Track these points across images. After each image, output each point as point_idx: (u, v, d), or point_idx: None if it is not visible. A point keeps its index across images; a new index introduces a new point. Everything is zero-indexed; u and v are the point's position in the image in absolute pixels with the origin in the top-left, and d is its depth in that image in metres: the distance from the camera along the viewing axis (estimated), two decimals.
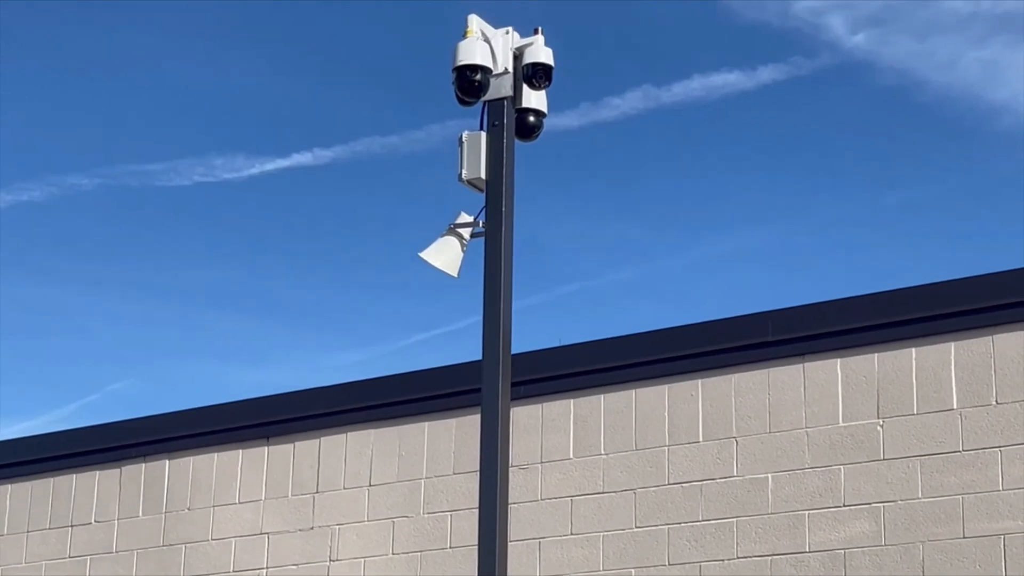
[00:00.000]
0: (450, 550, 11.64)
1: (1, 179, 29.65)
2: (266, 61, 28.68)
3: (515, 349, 8.56)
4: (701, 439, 10.89)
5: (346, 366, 31.68)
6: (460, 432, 11.80)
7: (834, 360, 10.55)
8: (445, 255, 8.63)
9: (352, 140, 26.92)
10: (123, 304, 30.21)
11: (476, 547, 8.18)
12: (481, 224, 8.61)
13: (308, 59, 28.80)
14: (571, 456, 11.36)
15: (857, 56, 24.80)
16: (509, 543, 8.28)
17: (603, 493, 11.15)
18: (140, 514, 13.27)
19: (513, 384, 8.47)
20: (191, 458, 13.11)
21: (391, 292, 29.53)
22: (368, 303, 30.15)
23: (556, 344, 11.67)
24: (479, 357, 8.38)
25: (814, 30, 24.57)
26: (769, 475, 10.57)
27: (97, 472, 13.61)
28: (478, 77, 8.60)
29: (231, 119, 28.90)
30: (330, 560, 12.18)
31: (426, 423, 12.03)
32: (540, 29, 8.79)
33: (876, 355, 10.43)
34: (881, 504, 10.16)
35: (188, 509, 13.02)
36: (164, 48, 28.72)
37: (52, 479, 13.84)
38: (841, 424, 10.43)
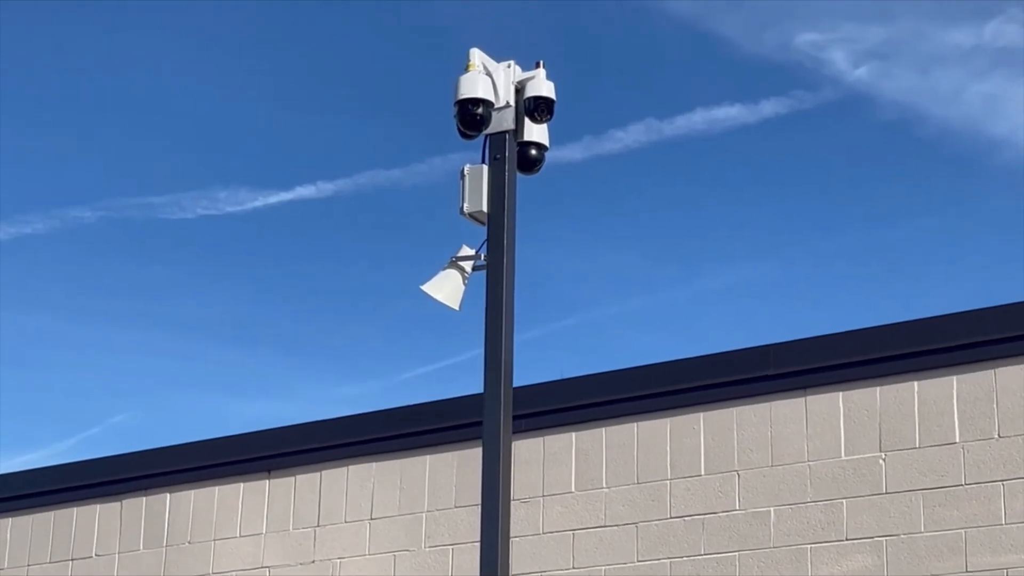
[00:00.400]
0: None
1: (3, 211, 29.67)
2: (269, 94, 28.75)
3: (517, 382, 8.55)
4: (703, 472, 10.87)
5: (348, 399, 31.67)
6: (462, 465, 11.78)
7: (836, 393, 10.54)
8: (447, 288, 8.63)
9: (355, 173, 26.94)
10: (125, 336, 30.22)
11: None
12: (483, 257, 8.61)
13: (311, 92, 28.87)
14: (573, 489, 11.35)
15: (859, 90, 24.85)
16: None
17: (605, 527, 11.13)
18: (141, 547, 13.24)
19: (515, 417, 8.46)
20: (192, 491, 13.09)
21: (394, 325, 29.54)
22: (371, 336, 30.15)
23: (557, 377, 11.67)
24: (481, 390, 8.37)
25: (816, 64, 24.63)
26: (771, 509, 10.55)
27: (98, 505, 13.59)
28: (480, 110, 8.61)
29: (234, 152, 28.97)
30: None
31: (428, 456, 12.02)
32: (542, 63, 8.81)
33: (878, 388, 10.42)
34: (883, 538, 10.14)
35: (189, 543, 12.99)
36: (167, 81, 28.79)
37: (53, 512, 13.82)
38: (843, 457, 10.42)
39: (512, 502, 8.40)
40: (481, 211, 8.63)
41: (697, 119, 24.38)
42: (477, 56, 8.72)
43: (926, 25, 24.53)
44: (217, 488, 12.96)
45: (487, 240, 8.61)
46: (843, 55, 24.47)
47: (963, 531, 9.91)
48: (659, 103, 26.32)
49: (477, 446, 8.59)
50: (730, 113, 24.39)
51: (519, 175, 8.76)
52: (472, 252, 8.66)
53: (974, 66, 24.49)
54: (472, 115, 8.61)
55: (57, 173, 29.70)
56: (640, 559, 10.93)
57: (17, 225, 27.96)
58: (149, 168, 29.06)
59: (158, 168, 29.09)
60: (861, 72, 24.64)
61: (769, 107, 24.37)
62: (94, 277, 30.01)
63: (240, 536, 12.73)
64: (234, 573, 12.65)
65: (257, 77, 28.74)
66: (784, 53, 25.08)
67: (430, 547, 11.79)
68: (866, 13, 24.98)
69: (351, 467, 12.35)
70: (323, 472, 12.48)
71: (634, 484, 11.11)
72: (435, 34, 25.96)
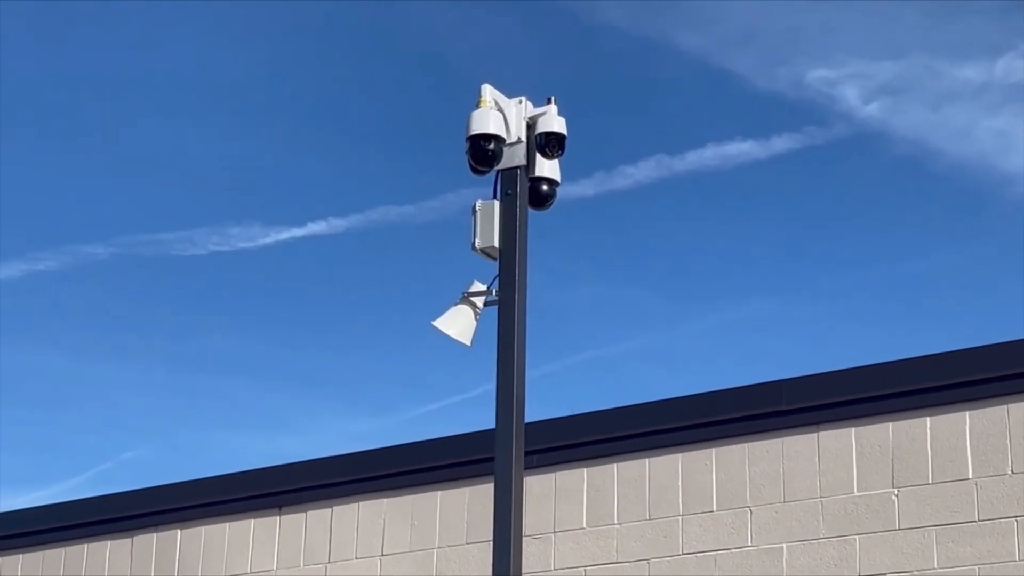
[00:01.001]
0: None
1: (16, 248, 29.73)
2: (281, 131, 28.82)
3: (528, 417, 8.54)
4: (715, 509, 10.85)
5: (361, 435, 31.64)
6: (473, 501, 11.76)
7: (849, 429, 10.51)
8: (458, 324, 8.63)
9: (367, 209, 26.98)
10: (137, 373, 30.25)
11: None
12: (494, 293, 8.61)
13: (323, 129, 28.95)
14: (584, 526, 11.32)
15: (871, 126, 24.88)
16: None
17: (617, 563, 11.10)
18: None
19: (527, 453, 8.44)
20: (203, 527, 13.07)
21: (406, 361, 29.55)
22: (383, 371, 30.16)
23: (569, 412, 11.65)
24: (493, 426, 8.36)
25: (828, 100, 24.66)
26: (784, 545, 10.52)
27: (109, 542, 13.57)
28: (491, 146, 8.62)
29: (247, 188, 29.03)
30: None
31: (439, 492, 11.99)
32: (553, 98, 8.82)
33: (891, 424, 10.39)
34: (896, 574, 10.09)
35: None
36: (180, 118, 28.89)
37: (64, 549, 13.81)
38: (856, 494, 10.38)
39: (524, 538, 8.38)
40: (493, 247, 8.63)
41: (708, 155, 24.42)
42: (489, 92, 8.74)
43: (937, 61, 24.56)
44: (228, 524, 12.94)
45: (498, 275, 8.61)
46: (855, 91, 24.51)
47: (976, 567, 9.87)
48: (670, 139, 26.39)
49: (489, 482, 8.58)
50: (742, 149, 24.42)
51: (530, 211, 8.76)
52: (483, 288, 8.66)
53: (985, 102, 24.51)
54: (483, 151, 8.61)
55: (69, 210, 29.80)
56: None
57: (30, 262, 28.03)
58: (161, 204, 29.15)
59: (170, 204, 29.19)
60: (872, 108, 24.67)
61: (781, 143, 24.41)
62: (106, 313, 30.07)
63: (251, 572, 12.70)
64: None
65: (270, 114, 28.84)
66: (796, 89, 25.13)
67: None
68: (877, 50, 25.04)
69: (362, 503, 12.33)
70: (334, 508, 12.46)
71: (646, 520, 11.08)
72: (448, 71, 26.05)
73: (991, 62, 24.09)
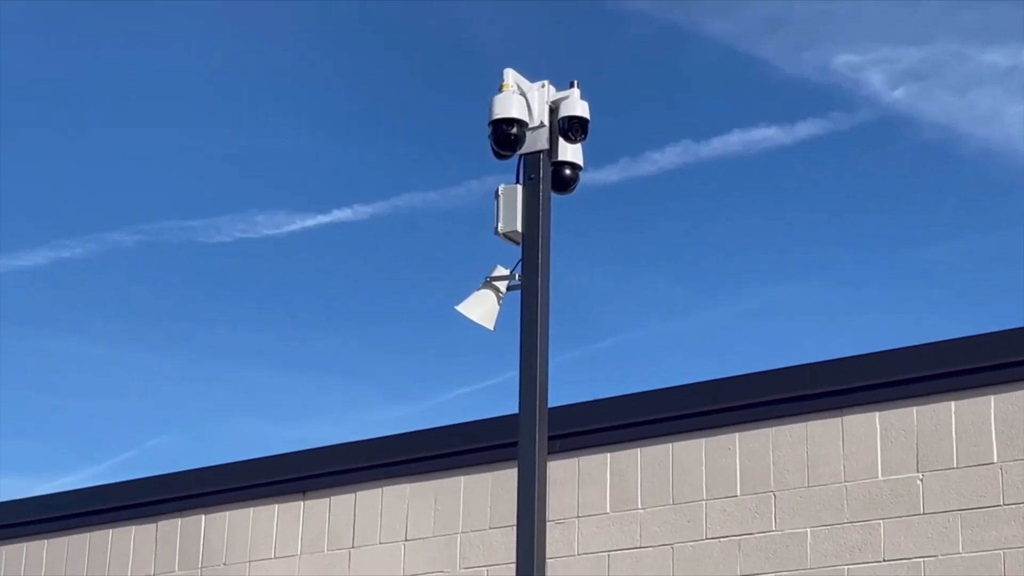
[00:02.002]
0: None
1: (42, 236, 29.83)
2: (307, 118, 28.84)
3: (552, 403, 8.53)
4: (739, 493, 10.83)
5: (387, 421, 31.67)
6: (496, 486, 11.76)
7: (873, 413, 10.49)
8: (481, 308, 8.63)
9: (392, 196, 26.99)
10: (162, 360, 30.31)
11: None
12: (517, 277, 8.60)
13: (348, 116, 28.95)
14: (608, 511, 11.31)
15: (897, 111, 24.80)
16: None
17: (640, 548, 11.09)
18: (176, 569, 13.25)
19: (550, 438, 8.44)
20: (227, 513, 13.10)
21: (432, 347, 29.56)
22: (409, 358, 30.18)
23: (593, 397, 11.64)
24: (516, 410, 8.35)
25: (853, 85, 24.58)
26: (808, 529, 10.50)
27: (133, 527, 13.61)
28: (514, 130, 8.60)
29: (272, 176, 29.06)
30: None
31: (462, 477, 12.00)
32: (576, 82, 8.80)
33: (915, 408, 10.37)
34: (921, 559, 10.07)
35: (224, 564, 13.00)
36: (204, 105, 28.91)
37: (88, 534, 13.85)
38: (880, 478, 10.36)
39: (547, 523, 8.38)
40: (515, 231, 8.62)
41: (734, 141, 24.37)
42: (511, 76, 8.72)
43: (963, 46, 24.46)
44: (252, 509, 12.97)
45: (521, 260, 8.61)
46: (880, 76, 24.43)
47: (1001, 552, 9.84)
48: (696, 125, 26.32)
49: (512, 467, 8.58)
50: (767, 135, 24.37)
51: (553, 195, 8.75)
52: (506, 272, 8.65)
53: (1012, 86, 24.41)
54: (506, 135, 8.60)
55: (95, 197, 29.86)
56: None
57: (56, 249, 28.11)
58: (187, 192, 29.20)
59: (196, 192, 29.23)
60: (898, 93, 24.59)
61: (806, 128, 24.34)
62: (132, 300, 30.13)
63: (275, 557, 12.73)
64: None
65: (295, 102, 28.85)
66: (821, 75, 25.06)
67: (465, 568, 11.76)
68: (903, 35, 24.95)
69: (386, 488, 12.34)
70: (358, 493, 12.47)
71: (669, 505, 11.07)
72: (472, 58, 26.04)
73: (1018, 46, 23.99)
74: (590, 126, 8.77)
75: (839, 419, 10.59)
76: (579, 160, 8.83)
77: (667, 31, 26.51)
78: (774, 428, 10.79)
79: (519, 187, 8.69)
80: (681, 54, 26.93)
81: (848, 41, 25.01)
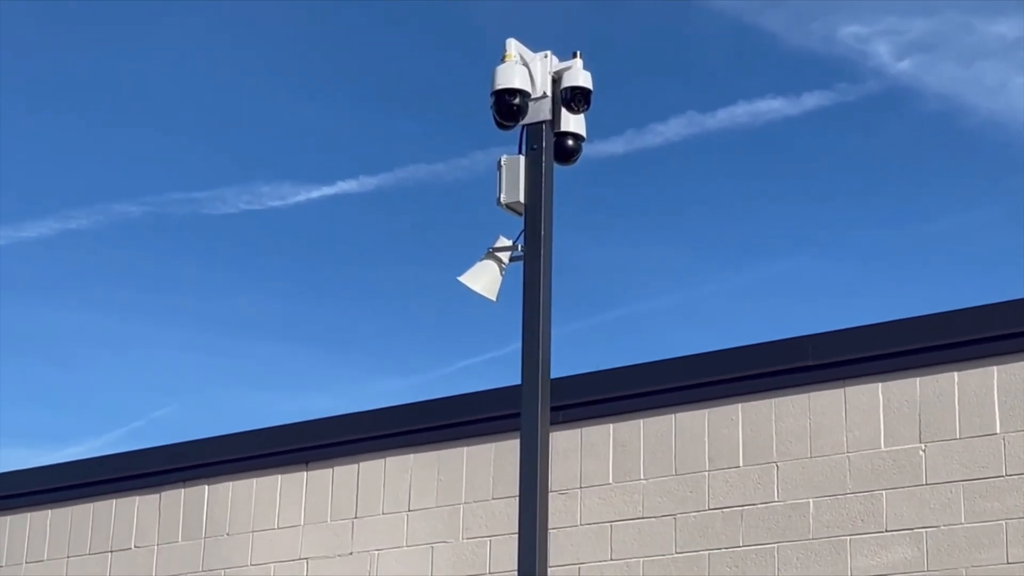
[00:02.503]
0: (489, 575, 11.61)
1: (48, 207, 29.86)
2: (312, 89, 28.79)
3: (556, 374, 8.53)
4: (742, 464, 10.84)
5: (391, 393, 31.71)
6: (499, 457, 11.77)
7: (875, 384, 10.49)
8: (484, 279, 8.62)
9: (397, 167, 26.97)
10: (168, 331, 30.33)
11: (515, 572, 8.15)
12: (520, 248, 8.59)
13: (353, 87, 28.91)
14: (611, 481, 11.32)
15: (903, 82, 24.74)
16: (548, 568, 8.24)
17: (643, 518, 11.11)
18: (179, 539, 13.27)
19: (552, 408, 8.45)
20: (230, 483, 13.11)
21: (438, 319, 29.56)
22: (414, 330, 30.18)
23: (595, 368, 11.64)
24: (519, 381, 8.36)
25: (859, 56, 24.52)
26: (810, 500, 10.51)
27: (137, 498, 13.63)
28: (516, 101, 8.59)
29: (277, 147, 29.03)
30: None
31: (465, 448, 12.01)
32: (579, 53, 8.78)
33: (918, 379, 10.36)
34: (923, 529, 10.09)
35: (227, 534, 13.02)
36: (210, 77, 28.88)
37: (92, 505, 13.87)
38: (883, 449, 10.37)
39: (550, 494, 8.39)
40: (518, 202, 8.61)
41: (739, 112, 24.33)
42: (514, 47, 8.71)
43: (970, 17, 24.39)
44: (255, 480, 12.98)
45: (524, 231, 8.60)
46: (887, 47, 24.38)
47: (1004, 522, 9.85)
48: (701, 96, 26.25)
49: (515, 438, 8.58)
50: (772, 106, 24.33)
51: (556, 165, 8.74)
52: (509, 243, 8.64)
53: (1019, 58, 24.35)
54: (509, 105, 8.59)
55: (102, 169, 29.85)
56: (678, 551, 10.90)
57: (62, 220, 28.12)
58: (192, 163, 29.18)
59: (201, 163, 29.21)
60: (905, 64, 24.53)
61: (812, 100, 24.30)
62: (138, 272, 30.15)
63: (278, 528, 12.75)
64: (272, 565, 12.68)
65: (299, 72, 28.80)
66: (827, 46, 25.00)
67: (467, 539, 11.78)
68: (910, 5, 24.87)
69: (389, 459, 12.35)
70: (361, 464, 12.49)
71: (672, 476, 11.08)
72: (478, 28, 25.98)
73: None
74: (593, 96, 8.75)
75: (842, 390, 10.59)
76: (582, 131, 8.81)
77: (673, 2, 26.46)
78: (776, 399, 10.79)
79: (521, 158, 8.68)
80: (687, 25, 26.88)
81: (854, 12, 24.95)
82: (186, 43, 28.50)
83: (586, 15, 26.02)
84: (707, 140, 25.01)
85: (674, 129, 24.44)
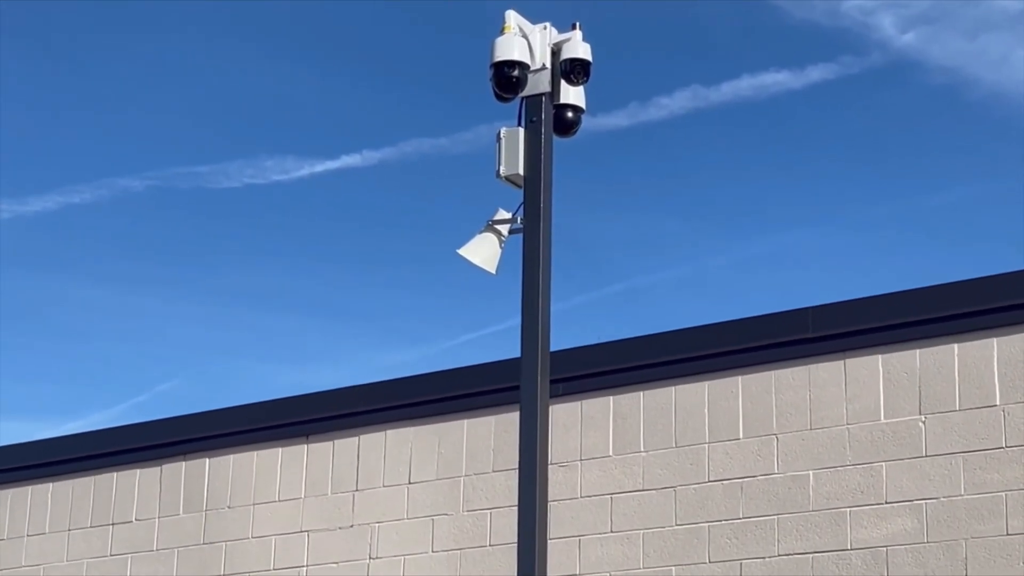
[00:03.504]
0: (490, 548, 11.62)
1: (52, 181, 29.85)
2: (315, 63, 28.74)
3: (557, 346, 8.52)
4: (742, 436, 10.84)
5: (394, 366, 31.68)
6: (499, 430, 11.78)
7: (875, 356, 10.49)
8: (483, 252, 8.61)
9: (401, 141, 26.93)
10: (172, 305, 30.34)
11: (516, 545, 8.16)
12: (519, 220, 8.58)
13: (357, 61, 28.86)
14: (611, 453, 11.33)
15: (907, 55, 24.69)
16: (549, 541, 8.26)
17: (643, 491, 11.12)
18: (181, 512, 13.29)
19: (552, 381, 8.45)
20: (231, 456, 13.13)
21: (440, 292, 29.57)
22: (417, 303, 30.20)
23: (595, 341, 11.64)
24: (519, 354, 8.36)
25: (864, 29, 24.47)
26: (810, 472, 10.52)
27: (138, 471, 13.65)
28: (516, 73, 8.57)
29: (281, 121, 28.99)
30: (370, 558, 12.18)
31: (465, 421, 12.02)
32: (578, 24, 8.76)
33: (918, 351, 10.36)
34: (923, 501, 10.10)
35: (228, 507, 13.04)
36: (214, 51, 28.82)
37: (93, 477, 13.89)
38: (883, 421, 10.37)
39: (550, 466, 8.39)
40: (517, 174, 8.60)
41: (744, 85, 24.29)
42: (513, 18, 8.68)
43: None
44: (256, 453, 13.00)
45: (523, 203, 8.59)
46: (891, 20, 24.33)
47: (1003, 494, 9.86)
48: (706, 69, 26.21)
49: (515, 410, 8.59)
50: (777, 79, 24.29)
51: (555, 138, 8.72)
52: (508, 215, 8.63)
53: (1023, 31, 24.30)
54: (508, 78, 8.57)
55: (105, 143, 29.82)
56: (678, 523, 10.91)
57: (66, 194, 28.11)
58: (196, 137, 29.15)
59: (205, 137, 29.18)
60: (909, 37, 24.48)
61: (816, 73, 24.26)
62: (141, 246, 30.15)
63: (279, 500, 12.76)
64: (273, 537, 12.69)
65: (303, 46, 28.75)
66: (832, 18, 24.94)
67: (468, 511, 11.80)
68: None
69: (389, 432, 12.36)
70: (361, 437, 12.50)
71: (672, 448, 11.09)
72: (484, 3, 25.90)
73: None
74: (592, 68, 8.73)
75: (841, 362, 10.59)
76: (581, 103, 8.79)
77: None
78: (776, 371, 10.79)
79: (521, 130, 8.66)
80: None
81: None
82: (189, 18, 28.46)
83: None
84: (711, 113, 24.98)
85: (679, 102, 24.42)
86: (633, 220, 27.69)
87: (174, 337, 31.19)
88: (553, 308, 8.48)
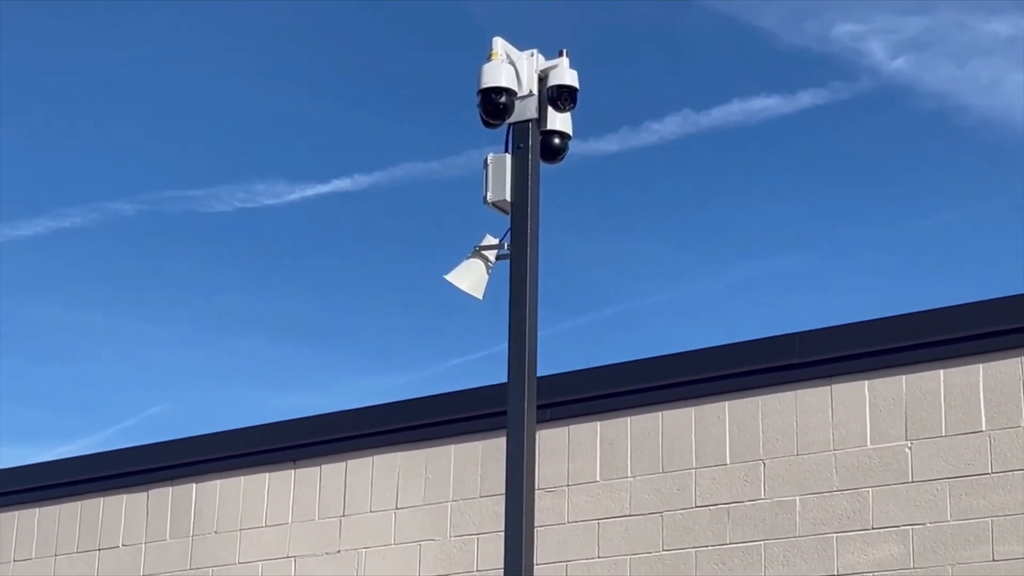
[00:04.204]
0: (477, 573, 11.62)
1: (43, 205, 29.86)
2: (306, 87, 28.78)
3: (545, 372, 8.53)
4: (728, 462, 10.85)
5: (384, 391, 31.70)
6: (487, 455, 11.78)
7: (862, 382, 10.51)
8: (470, 278, 8.63)
9: (391, 166, 26.98)
10: (162, 329, 30.32)
11: (503, 570, 8.16)
12: (506, 246, 8.60)
13: (347, 85, 28.90)
14: (598, 479, 11.34)
15: (897, 80, 24.77)
16: (536, 566, 8.26)
17: (630, 516, 11.12)
18: (167, 538, 13.27)
19: (539, 406, 8.46)
20: (218, 481, 13.11)
21: (430, 317, 29.57)
22: (408, 328, 30.19)
23: (583, 366, 11.65)
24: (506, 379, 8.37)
25: (854, 55, 24.55)
26: (797, 498, 10.53)
27: (125, 496, 13.62)
28: (503, 99, 8.59)
29: (272, 145, 29.03)
30: None
31: (453, 446, 12.02)
32: (565, 51, 8.78)
33: (904, 377, 10.38)
34: (909, 527, 10.11)
35: (215, 533, 13.02)
36: (205, 74, 28.85)
37: (80, 503, 13.86)
38: (869, 446, 10.39)
39: (537, 491, 8.40)
40: (504, 200, 8.62)
41: (734, 110, 24.36)
42: (500, 45, 8.71)
43: (965, 15, 24.43)
44: (243, 478, 12.98)
45: (510, 229, 8.61)
46: (881, 46, 24.41)
47: (990, 520, 9.87)
48: (696, 94, 26.26)
49: (502, 435, 8.59)
50: (767, 104, 24.36)
51: (543, 164, 8.74)
52: (496, 241, 8.65)
53: (1013, 56, 24.39)
54: (495, 104, 8.59)
55: (96, 167, 29.84)
56: (666, 548, 10.91)
57: (56, 219, 28.10)
58: (187, 161, 29.16)
59: (196, 161, 29.20)
60: (899, 63, 24.57)
61: (806, 98, 24.33)
62: (132, 270, 30.13)
63: (266, 526, 12.75)
64: (260, 563, 12.68)
65: (295, 70, 28.79)
66: (822, 44, 25.03)
67: (455, 537, 11.79)
68: (904, 4, 24.91)
69: (376, 457, 12.36)
70: (348, 462, 12.49)
71: (659, 473, 11.09)
72: (475, 27, 25.96)
73: (1019, 16, 23.96)
74: (579, 95, 8.76)
75: (828, 387, 10.61)
76: (568, 129, 8.82)
77: (667, 0, 26.50)
78: (763, 396, 10.81)
79: (508, 156, 8.69)
80: (682, 23, 26.90)
81: (849, 10, 24.98)
82: (180, 41, 28.50)
83: (582, 14, 26.03)
84: (702, 138, 25.04)
85: (669, 127, 24.48)
86: (622, 245, 27.75)
87: (163, 361, 31.18)
88: (541, 333, 8.50)
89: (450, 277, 8.63)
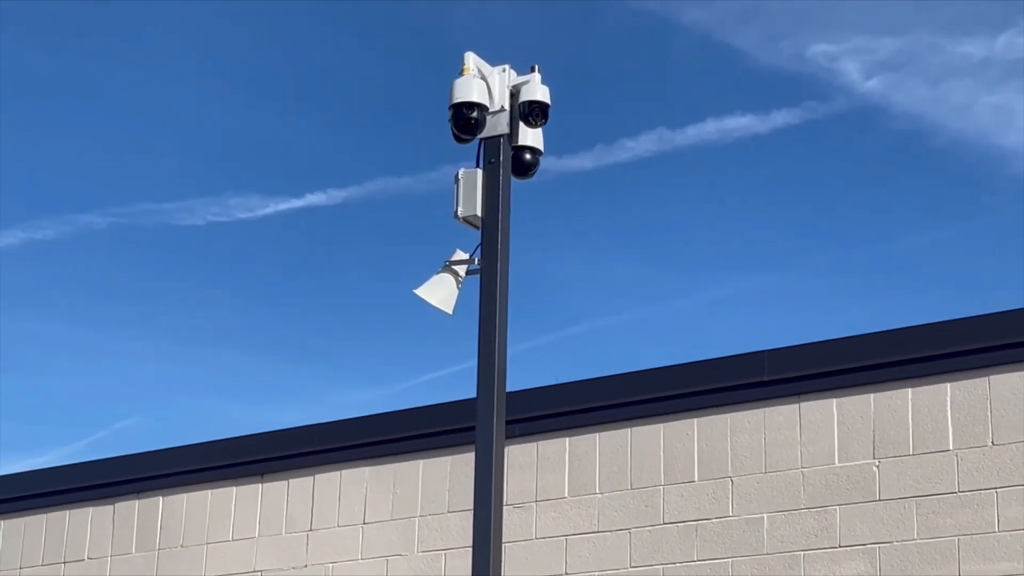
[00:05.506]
0: None
1: (15, 217, 29.72)
2: (280, 101, 28.78)
3: (514, 387, 8.52)
4: (696, 479, 10.86)
5: (355, 405, 31.64)
6: (455, 470, 11.76)
7: (830, 400, 10.53)
8: (440, 293, 8.62)
9: (365, 180, 26.98)
10: (134, 342, 30.24)
11: None
12: (476, 261, 8.60)
13: (322, 100, 28.89)
14: (566, 495, 11.33)
15: (871, 101, 24.87)
16: None
17: (598, 532, 11.12)
18: (133, 551, 13.22)
19: (508, 422, 8.45)
20: (185, 495, 13.07)
21: (403, 332, 29.55)
22: (380, 342, 30.18)
23: (552, 382, 11.65)
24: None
25: (828, 75, 24.64)
26: (764, 515, 10.54)
27: (91, 509, 13.57)
28: (474, 114, 8.59)
29: (246, 159, 28.99)
30: None
31: (421, 461, 12.00)
32: (537, 67, 8.79)
33: (872, 395, 10.41)
34: (876, 545, 10.13)
35: (182, 546, 12.97)
36: (179, 88, 28.81)
37: (45, 515, 13.80)
38: (837, 464, 10.40)
39: (505, 507, 8.39)
40: (475, 215, 8.62)
41: (708, 129, 24.41)
42: (472, 60, 8.72)
43: (938, 37, 24.55)
44: (210, 491, 12.94)
45: (481, 244, 8.61)
46: (855, 66, 24.50)
47: (956, 539, 9.90)
48: (671, 113, 26.33)
49: (471, 451, 8.58)
50: (741, 123, 24.42)
51: (513, 179, 8.75)
52: (466, 256, 8.65)
53: (985, 78, 24.51)
54: (466, 119, 8.59)
55: (68, 179, 29.76)
56: (633, 565, 10.91)
57: (28, 230, 28.00)
58: (160, 174, 29.11)
59: (169, 174, 29.15)
60: (873, 83, 24.66)
61: (781, 117, 24.40)
62: (104, 283, 30.05)
63: (233, 540, 12.71)
64: None
65: (268, 84, 28.79)
66: (796, 63, 25.12)
67: (423, 551, 11.77)
68: (879, 25, 25.02)
69: (344, 471, 12.33)
70: (316, 476, 12.46)
71: (628, 490, 11.10)
72: (449, 43, 25.98)
73: (992, 38, 24.09)
74: (552, 111, 8.77)
75: (796, 405, 10.63)
76: (539, 145, 8.82)
77: (643, 19, 26.54)
78: (732, 414, 10.82)
79: (479, 171, 8.69)
80: (657, 42, 26.95)
81: (824, 31, 25.09)
82: (154, 55, 28.45)
83: (558, 31, 26.09)
84: (676, 156, 25.10)
85: (644, 145, 24.52)
86: (597, 262, 27.78)
87: (135, 374, 31.09)
88: (510, 349, 8.49)
89: (420, 291, 8.63)
